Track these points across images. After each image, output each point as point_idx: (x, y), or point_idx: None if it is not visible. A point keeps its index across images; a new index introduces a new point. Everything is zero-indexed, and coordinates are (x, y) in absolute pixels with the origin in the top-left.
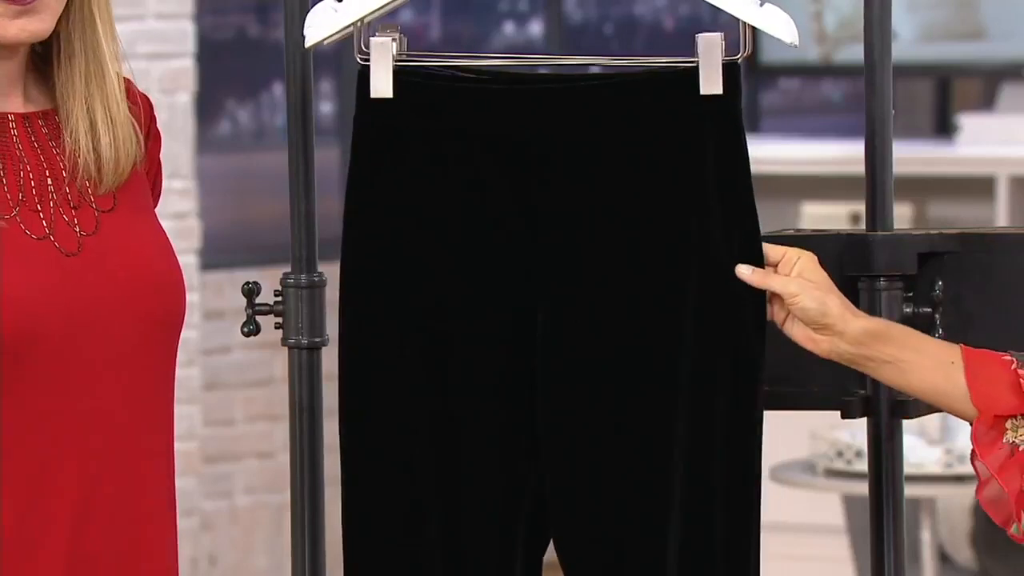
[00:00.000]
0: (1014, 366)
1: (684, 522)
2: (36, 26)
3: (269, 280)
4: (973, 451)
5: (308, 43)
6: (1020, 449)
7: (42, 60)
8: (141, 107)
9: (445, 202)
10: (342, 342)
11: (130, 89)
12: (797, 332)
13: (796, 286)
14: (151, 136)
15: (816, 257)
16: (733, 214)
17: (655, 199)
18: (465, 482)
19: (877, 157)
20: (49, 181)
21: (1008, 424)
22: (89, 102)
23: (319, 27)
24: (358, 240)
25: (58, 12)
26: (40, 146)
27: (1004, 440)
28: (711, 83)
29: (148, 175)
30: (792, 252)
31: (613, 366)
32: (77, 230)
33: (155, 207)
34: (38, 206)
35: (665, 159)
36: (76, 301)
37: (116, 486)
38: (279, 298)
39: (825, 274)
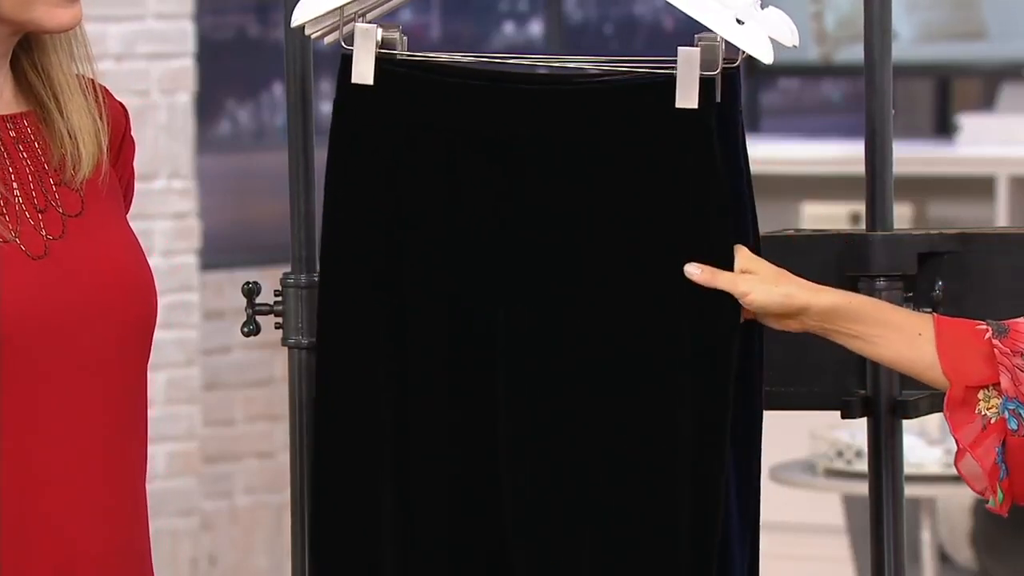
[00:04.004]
0: (988, 335)
1: (678, 526)
2: (79, 13)
3: (269, 280)
4: (948, 424)
5: (294, 23)
6: (992, 422)
7: (16, 60)
8: (117, 113)
9: (420, 195)
10: (319, 330)
11: (107, 95)
12: (766, 319)
13: (745, 284)
14: (126, 142)
15: (743, 247)
16: (703, 226)
17: (631, 203)
18: (420, 484)
19: (877, 157)
20: (15, 185)
21: (980, 395)
22: (80, 91)
23: (306, 9)
24: (334, 228)
25: None
26: (7, 151)
27: (976, 412)
28: (686, 97)
29: (121, 180)
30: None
31: (586, 368)
32: (43, 233)
33: (127, 212)
34: (3, 210)
35: (642, 166)
36: (45, 304)
37: (94, 487)
38: (279, 298)
39: (767, 263)
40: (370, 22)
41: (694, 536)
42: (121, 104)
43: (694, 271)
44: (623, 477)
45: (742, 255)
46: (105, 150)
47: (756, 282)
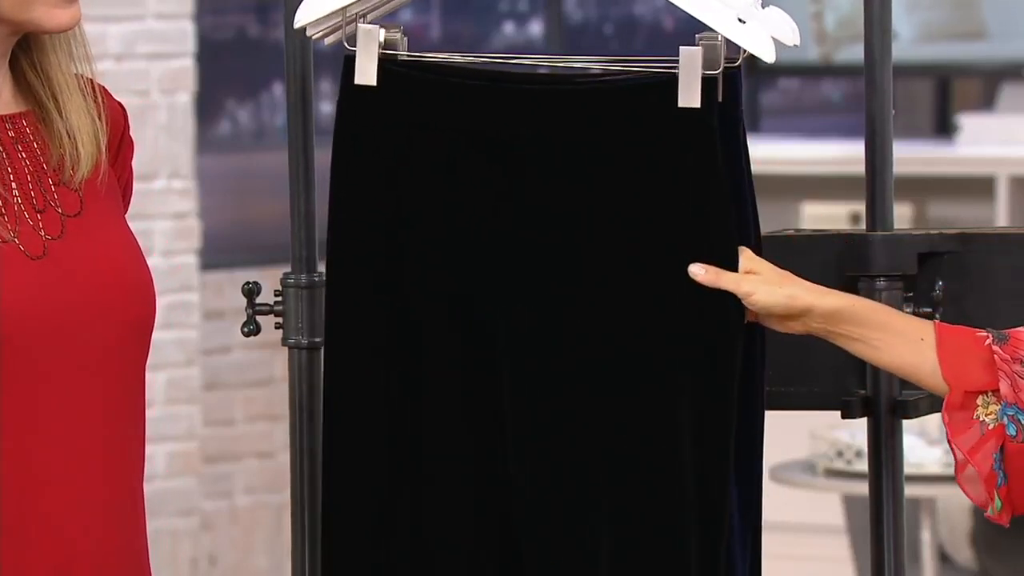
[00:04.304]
0: (988, 342)
1: (679, 526)
2: (78, 13)
3: (269, 280)
4: (947, 432)
5: (297, 24)
6: (990, 428)
7: (16, 61)
8: (115, 113)
9: (421, 195)
10: (326, 331)
11: (105, 95)
12: (769, 321)
13: (749, 284)
14: (124, 142)
15: (747, 249)
16: (705, 226)
17: (631, 203)
18: (425, 484)
19: (877, 157)
20: (13, 185)
21: (979, 401)
22: (80, 91)
23: (309, 10)
24: (340, 228)
25: None
26: (6, 151)
27: (975, 417)
28: (689, 97)
29: (120, 180)
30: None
31: (586, 368)
32: (42, 234)
33: (126, 212)
34: (2, 210)
35: (644, 166)
36: (44, 304)
37: (93, 487)
38: (279, 298)
39: (772, 265)
40: (370, 22)
41: (700, 537)
42: (120, 104)
43: (698, 271)
44: (623, 477)
45: (745, 256)
46: (104, 150)
47: (760, 283)
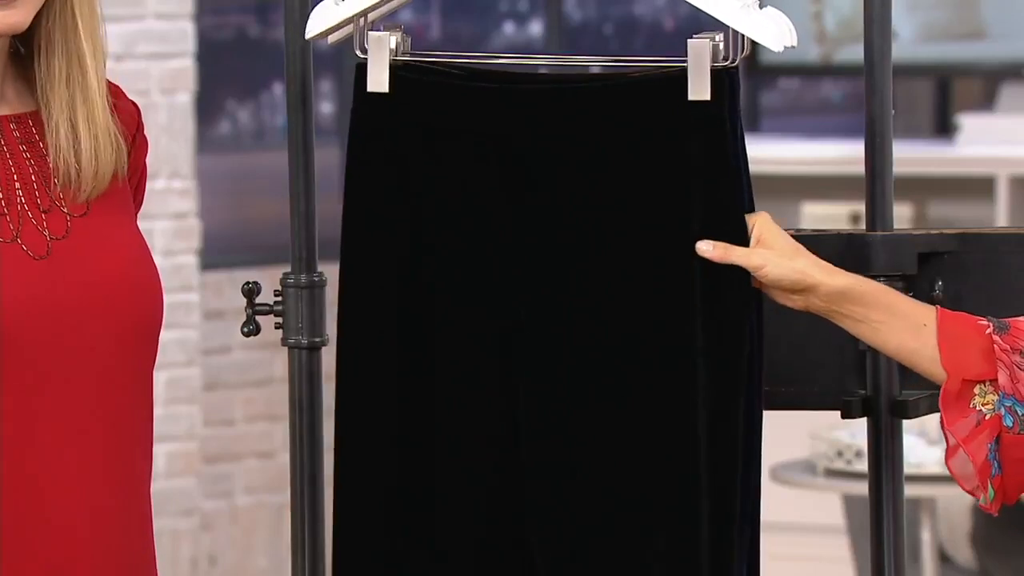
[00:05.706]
0: (989, 331)
1: (679, 524)
2: (13, 19)
3: (269, 280)
4: (941, 418)
5: (308, 35)
6: (987, 418)
7: (25, 59)
8: (128, 114)
9: (437, 198)
10: (339, 333)
11: (119, 95)
12: (773, 292)
13: (760, 258)
14: (137, 143)
15: (769, 216)
16: (718, 220)
17: (642, 202)
18: (444, 484)
19: (877, 157)
20: (17, 185)
21: (976, 390)
22: (71, 104)
23: (320, 20)
24: (354, 233)
25: (37, 6)
26: (10, 150)
27: (971, 405)
28: (699, 89)
29: (131, 181)
30: (747, 218)
31: (597, 368)
32: (46, 234)
33: (137, 213)
34: (5, 209)
35: (653, 163)
36: (46, 304)
37: (94, 489)
38: (279, 298)
39: (786, 234)
40: (371, 22)
41: (712, 520)
42: (134, 103)
43: (706, 248)
44: (639, 471)
45: (762, 219)
46: (124, 167)
47: (771, 256)
